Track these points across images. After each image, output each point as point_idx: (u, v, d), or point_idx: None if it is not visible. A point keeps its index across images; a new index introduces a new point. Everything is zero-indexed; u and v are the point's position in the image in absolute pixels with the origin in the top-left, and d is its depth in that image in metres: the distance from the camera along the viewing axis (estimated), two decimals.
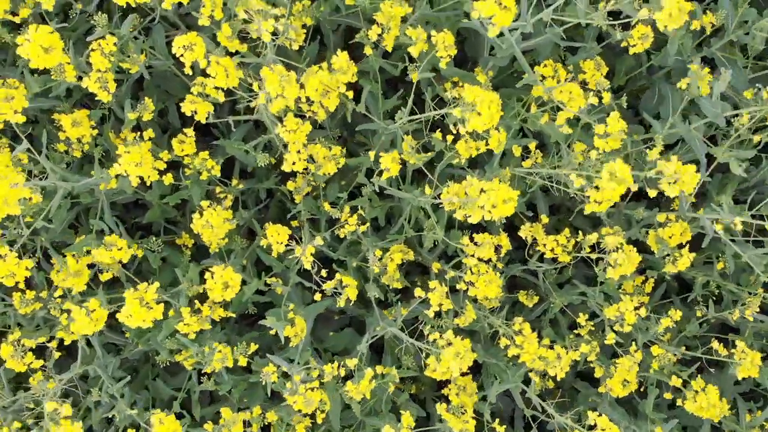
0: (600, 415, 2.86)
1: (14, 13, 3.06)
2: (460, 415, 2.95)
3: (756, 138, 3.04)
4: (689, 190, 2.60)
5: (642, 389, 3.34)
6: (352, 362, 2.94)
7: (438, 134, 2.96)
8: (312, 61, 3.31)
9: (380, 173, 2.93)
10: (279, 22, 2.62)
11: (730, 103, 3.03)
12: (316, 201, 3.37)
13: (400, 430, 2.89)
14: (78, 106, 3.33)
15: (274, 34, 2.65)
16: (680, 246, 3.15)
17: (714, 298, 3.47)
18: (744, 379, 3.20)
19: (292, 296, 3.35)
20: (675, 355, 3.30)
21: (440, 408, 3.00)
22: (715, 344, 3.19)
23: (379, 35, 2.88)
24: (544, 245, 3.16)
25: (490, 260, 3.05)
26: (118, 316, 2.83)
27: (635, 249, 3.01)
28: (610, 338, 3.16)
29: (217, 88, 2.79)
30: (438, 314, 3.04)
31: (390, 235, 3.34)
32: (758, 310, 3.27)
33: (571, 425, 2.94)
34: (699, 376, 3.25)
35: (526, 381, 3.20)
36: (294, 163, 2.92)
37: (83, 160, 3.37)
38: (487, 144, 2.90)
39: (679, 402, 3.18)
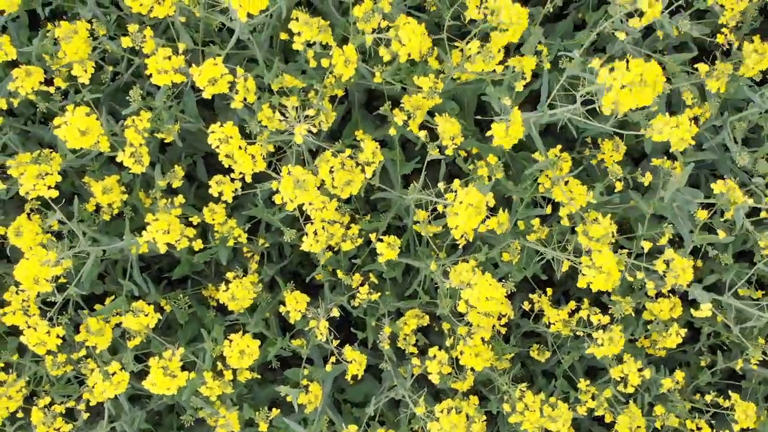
0: None
1: (49, 82, 3.14)
2: None
3: (721, 234, 3.08)
4: (685, 281, 2.72)
5: None
6: (353, 428, 3.05)
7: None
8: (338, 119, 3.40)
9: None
10: (311, 102, 2.71)
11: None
12: (336, 256, 3.47)
13: None
14: (107, 164, 3.43)
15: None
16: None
17: (724, 348, 3.54)
18: None
19: (313, 355, 3.45)
20: (687, 403, 3.38)
21: None
22: (709, 397, 3.32)
23: (405, 121, 2.95)
24: (548, 319, 3.25)
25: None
26: (143, 383, 2.94)
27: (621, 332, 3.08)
28: (608, 393, 3.24)
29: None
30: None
31: (404, 299, 3.43)
32: (761, 359, 3.33)
33: None
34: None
35: None
36: (309, 236, 3.00)
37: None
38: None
39: None
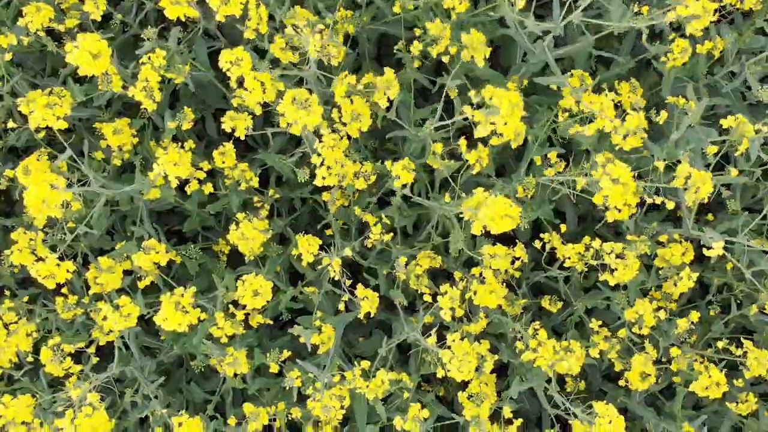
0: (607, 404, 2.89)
1: (59, 22, 3.15)
2: (479, 404, 2.99)
3: (733, 172, 3.05)
4: (705, 194, 2.72)
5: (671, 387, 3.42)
6: (366, 363, 3.03)
7: (463, 141, 3.01)
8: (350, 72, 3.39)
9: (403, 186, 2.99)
10: (322, 33, 2.70)
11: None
12: (347, 209, 3.45)
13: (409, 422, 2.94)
14: (117, 117, 3.42)
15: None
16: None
17: (738, 302, 3.50)
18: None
19: (324, 304, 3.42)
20: (700, 357, 3.33)
21: (461, 396, 3.05)
22: (721, 344, 3.25)
23: (421, 51, 2.94)
24: (563, 255, 3.19)
25: (499, 270, 3.09)
26: (154, 318, 2.91)
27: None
28: (622, 332, 3.21)
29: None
30: (460, 319, 3.10)
31: (417, 243, 3.40)
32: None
33: (591, 421, 2.94)
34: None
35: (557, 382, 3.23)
36: (324, 178, 2.98)
37: (121, 169, 3.47)
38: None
39: (702, 392, 3.20)
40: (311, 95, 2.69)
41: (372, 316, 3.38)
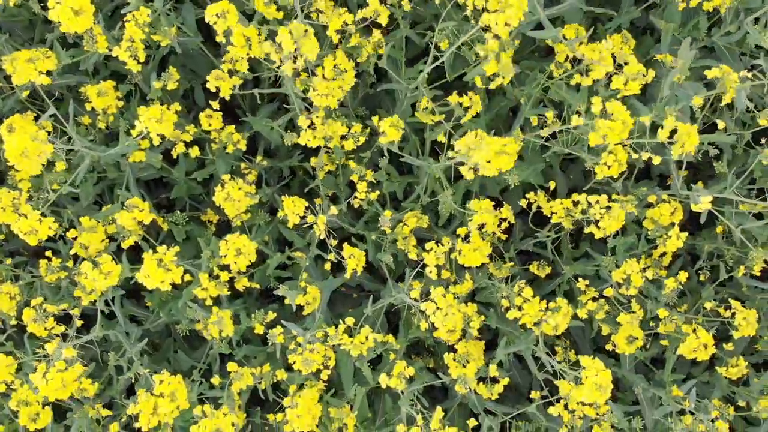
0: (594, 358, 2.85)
1: None
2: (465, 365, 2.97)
3: (721, 124, 3.02)
4: (691, 147, 2.68)
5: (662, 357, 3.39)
6: (350, 320, 3.01)
7: (455, 96, 2.99)
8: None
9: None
10: None
11: None
12: (336, 178, 3.43)
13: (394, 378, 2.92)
14: None
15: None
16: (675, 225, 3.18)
17: (729, 268, 3.48)
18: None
19: (312, 272, 3.41)
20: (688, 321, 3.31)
21: (447, 357, 3.03)
22: (709, 304, 3.21)
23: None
24: (551, 210, 3.17)
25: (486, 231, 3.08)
26: (136, 275, 2.88)
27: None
28: (609, 291, 3.18)
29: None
30: (446, 285, 3.07)
31: (406, 203, 3.39)
32: (762, 267, 3.28)
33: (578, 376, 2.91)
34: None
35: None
36: (307, 131, 2.98)
37: (108, 138, 3.46)
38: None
39: (690, 354, 3.15)
40: (308, 26, 2.67)
41: (363, 285, 3.39)
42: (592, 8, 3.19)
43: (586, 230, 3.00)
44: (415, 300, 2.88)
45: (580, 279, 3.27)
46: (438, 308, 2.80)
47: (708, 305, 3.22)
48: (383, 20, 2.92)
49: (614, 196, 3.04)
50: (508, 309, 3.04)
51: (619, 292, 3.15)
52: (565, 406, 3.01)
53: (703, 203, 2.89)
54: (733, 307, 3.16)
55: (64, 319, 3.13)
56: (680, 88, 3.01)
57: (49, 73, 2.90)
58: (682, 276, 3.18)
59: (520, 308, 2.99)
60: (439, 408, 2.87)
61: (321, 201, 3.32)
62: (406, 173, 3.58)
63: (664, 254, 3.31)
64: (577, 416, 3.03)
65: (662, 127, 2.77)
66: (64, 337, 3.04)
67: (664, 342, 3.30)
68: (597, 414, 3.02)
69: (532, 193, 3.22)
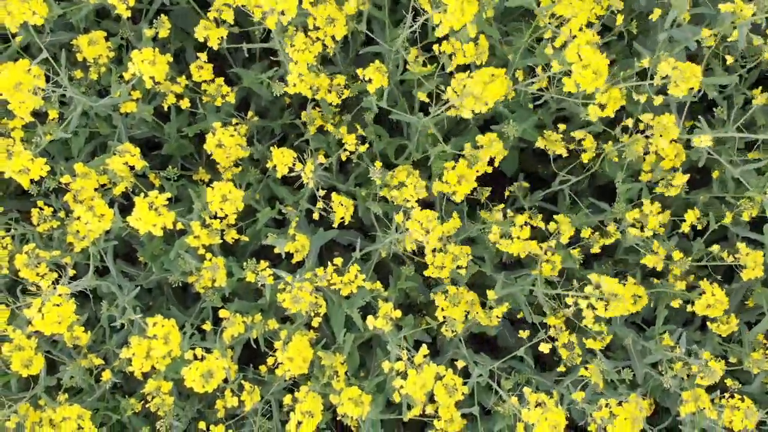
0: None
1: None
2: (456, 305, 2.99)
3: (730, 59, 3.06)
4: (694, 84, 2.69)
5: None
6: (339, 260, 3.03)
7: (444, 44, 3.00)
8: None
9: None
10: None
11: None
12: (326, 136, 3.45)
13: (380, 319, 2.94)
14: None
15: None
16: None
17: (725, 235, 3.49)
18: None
19: (303, 229, 3.42)
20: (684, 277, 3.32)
21: (437, 297, 3.05)
22: (716, 248, 3.21)
23: None
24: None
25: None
26: (128, 218, 2.90)
27: None
28: (633, 231, 3.17)
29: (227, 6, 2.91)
30: None
31: (398, 161, 3.41)
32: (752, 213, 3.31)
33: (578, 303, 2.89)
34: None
35: None
36: (295, 85, 2.99)
37: (101, 95, 3.48)
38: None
39: (688, 308, 3.19)
40: None
41: (350, 239, 3.41)
42: None
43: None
44: (399, 224, 2.90)
45: (585, 228, 3.26)
46: (418, 222, 2.82)
47: (715, 248, 3.23)
48: None
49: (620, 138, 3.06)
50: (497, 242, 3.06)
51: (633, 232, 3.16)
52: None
53: (703, 140, 2.90)
54: (739, 251, 3.19)
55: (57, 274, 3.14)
56: (678, 30, 3.03)
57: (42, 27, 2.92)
58: (696, 213, 3.23)
59: (510, 237, 3.01)
60: (424, 346, 2.87)
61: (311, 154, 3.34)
62: (396, 133, 3.60)
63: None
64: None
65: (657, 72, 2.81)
66: (57, 284, 3.05)
67: (680, 284, 3.30)
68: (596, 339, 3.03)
69: (541, 138, 3.23)
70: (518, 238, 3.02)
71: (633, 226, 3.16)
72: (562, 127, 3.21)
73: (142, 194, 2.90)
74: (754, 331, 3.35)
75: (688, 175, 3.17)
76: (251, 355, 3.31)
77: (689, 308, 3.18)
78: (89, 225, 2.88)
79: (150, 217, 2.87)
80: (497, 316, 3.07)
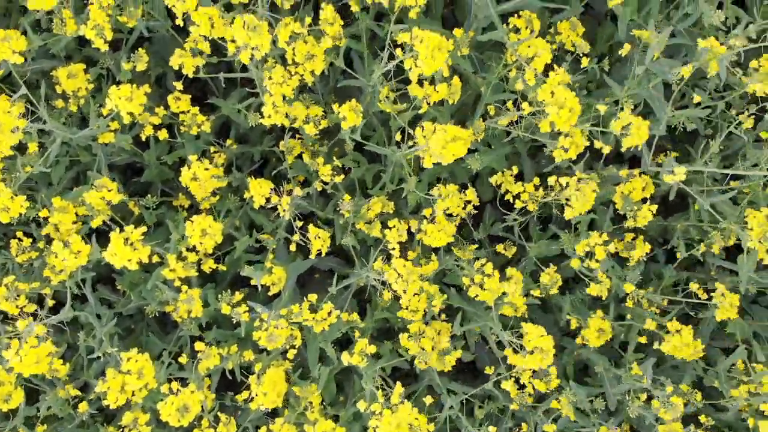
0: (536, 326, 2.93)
1: None
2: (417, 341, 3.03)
3: (696, 98, 3.07)
4: (640, 141, 2.75)
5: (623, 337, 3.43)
6: (313, 297, 3.05)
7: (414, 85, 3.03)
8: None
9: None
10: None
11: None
12: (306, 164, 3.47)
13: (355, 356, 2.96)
14: None
15: None
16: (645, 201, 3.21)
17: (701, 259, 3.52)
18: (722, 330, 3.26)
19: (281, 256, 3.45)
20: (654, 304, 3.35)
21: (402, 337, 3.09)
22: (694, 286, 3.22)
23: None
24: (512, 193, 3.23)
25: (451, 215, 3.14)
26: (103, 254, 2.92)
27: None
28: (575, 263, 3.19)
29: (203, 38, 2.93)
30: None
31: (373, 191, 3.43)
32: (723, 244, 3.33)
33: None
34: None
35: None
36: (270, 116, 3.01)
37: (81, 125, 3.50)
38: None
39: (655, 345, 3.20)
40: (261, 20, 2.72)
41: (330, 266, 3.43)
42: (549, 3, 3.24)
43: (567, 215, 3.04)
44: (378, 273, 2.92)
45: (551, 265, 3.29)
46: (399, 275, 2.84)
47: (693, 286, 3.24)
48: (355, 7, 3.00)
49: (578, 174, 3.07)
50: (468, 287, 3.08)
51: (584, 266, 3.18)
52: (517, 381, 3.08)
53: (677, 174, 2.91)
54: (717, 289, 3.20)
55: (37, 304, 3.16)
56: (656, 64, 3.05)
57: (21, 55, 2.94)
58: (647, 247, 3.22)
59: (481, 285, 3.03)
60: (399, 384, 2.90)
61: (290, 186, 3.36)
62: (374, 161, 3.63)
63: (635, 237, 3.33)
64: (527, 393, 3.08)
65: (617, 119, 2.84)
66: (36, 317, 3.07)
67: (629, 316, 3.34)
68: (547, 388, 3.07)
69: (499, 174, 3.25)
70: (487, 289, 3.05)
71: (581, 258, 3.19)
72: (515, 170, 3.24)
73: (118, 229, 2.93)
74: (728, 362, 3.38)
75: (656, 206, 3.18)
76: (230, 382, 3.33)
77: (655, 346, 3.21)
78: (66, 261, 2.90)
79: (125, 252, 2.89)
80: (451, 362, 3.11)
